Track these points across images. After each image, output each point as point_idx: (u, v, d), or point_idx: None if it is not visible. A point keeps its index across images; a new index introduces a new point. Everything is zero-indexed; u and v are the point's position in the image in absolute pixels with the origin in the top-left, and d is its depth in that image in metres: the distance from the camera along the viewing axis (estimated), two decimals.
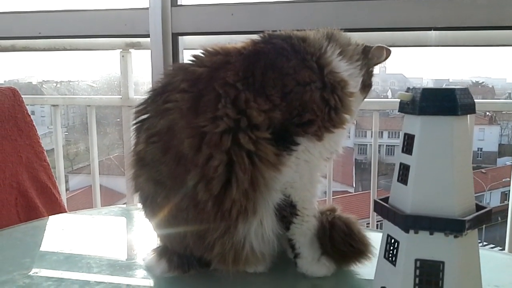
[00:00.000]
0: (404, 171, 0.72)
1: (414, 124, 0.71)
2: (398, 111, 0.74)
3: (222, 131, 0.84)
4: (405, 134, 0.73)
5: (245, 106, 0.85)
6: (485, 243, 11.11)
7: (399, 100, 0.74)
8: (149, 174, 0.91)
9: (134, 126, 0.95)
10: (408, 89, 0.73)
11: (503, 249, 1.99)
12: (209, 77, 0.88)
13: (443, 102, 0.69)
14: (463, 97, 0.69)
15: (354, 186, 12.13)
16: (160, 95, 0.91)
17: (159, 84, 0.94)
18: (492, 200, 13.03)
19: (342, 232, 0.96)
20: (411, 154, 0.71)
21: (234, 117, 0.85)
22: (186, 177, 0.85)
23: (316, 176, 0.95)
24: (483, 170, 13.29)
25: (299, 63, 0.89)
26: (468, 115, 0.71)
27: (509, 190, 1.96)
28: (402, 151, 0.73)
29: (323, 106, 0.88)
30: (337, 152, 0.97)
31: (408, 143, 0.72)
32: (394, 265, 0.73)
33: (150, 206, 0.95)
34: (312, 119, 0.88)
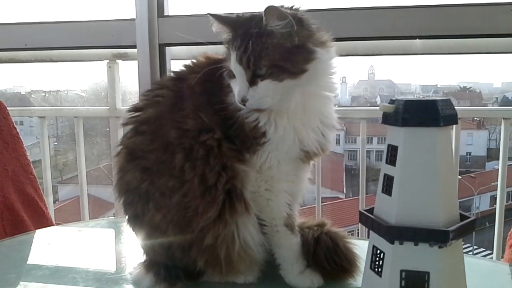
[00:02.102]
0: (388, 182, 0.73)
1: (397, 135, 0.71)
2: (382, 123, 0.74)
3: (199, 128, 0.90)
4: (388, 145, 0.73)
5: (199, 108, 0.91)
6: (475, 246, 11.20)
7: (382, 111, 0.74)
8: (136, 165, 0.94)
9: (126, 121, 1.00)
10: (391, 101, 0.73)
11: (492, 252, 2.00)
12: (185, 78, 0.96)
13: (425, 113, 0.69)
14: (445, 109, 0.70)
15: (344, 192, 12.17)
16: (151, 91, 1.01)
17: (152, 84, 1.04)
18: (482, 204, 13.14)
19: (326, 248, 0.96)
20: (394, 165, 0.71)
21: (194, 117, 0.90)
22: (173, 160, 0.90)
23: (278, 186, 0.93)
24: (472, 175, 13.39)
25: (219, 83, 0.93)
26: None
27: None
28: (386, 162, 0.73)
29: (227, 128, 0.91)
30: (288, 159, 0.92)
31: (392, 154, 0.72)
32: (380, 276, 0.73)
33: (132, 203, 0.95)
34: (234, 135, 0.90)
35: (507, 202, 2.42)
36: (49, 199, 2.08)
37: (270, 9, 0.83)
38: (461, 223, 0.70)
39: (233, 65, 0.86)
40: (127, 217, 0.99)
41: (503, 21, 1.60)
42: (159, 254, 0.95)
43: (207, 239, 0.89)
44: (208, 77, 0.93)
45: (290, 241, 0.95)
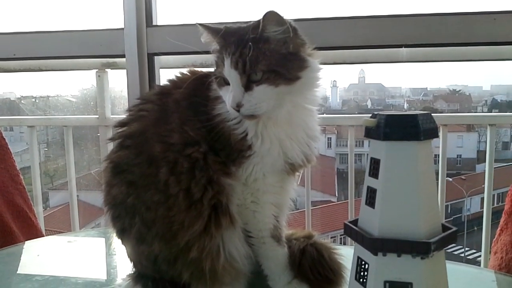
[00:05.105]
0: (372, 194, 0.74)
1: (379, 149, 0.73)
2: (364, 136, 0.76)
3: (184, 142, 0.89)
4: (371, 158, 0.75)
5: (184, 122, 0.91)
6: (467, 248, 11.26)
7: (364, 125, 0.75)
8: (122, 179, 0.94)
9: (112, 136, 1.01)
10: (373, 115, 0.75)
11: None
12: (170, 93, 0.96)
13: (406, 128, 0.71)
14: (425, 123, 0.71)
15: (336, 195, 12.18)
16: (135, 106, 1.00)
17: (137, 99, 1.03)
18: (472, 206, 13.21)
19: (311, 258, 0.97)
20: (377, 178, 0.73)
21: (180, 131, 0.90)
22: (158, 174, 0.89)
23: (264, 198, 0.94)
24: (462, 177, 13.46)
25: (206, 96, 0.94)
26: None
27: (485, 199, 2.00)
28: (369, 175, 0.75)
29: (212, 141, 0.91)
30: (272, 172, 0.93)
31: (375, 167, 0.74)
32: (365, 286, 0.74)
33: (119, 217, 0.96)
34: (219, 148, 0.91)
35: (497, 204, 2.45)
36: (39, 208, 2.07)
37: (270, 14, 0.84)
38: (442, 235, 0.72)
39: (227, 71, 0.86)
40: (115, 231, 0.99)
41: (487, 29, 1.63)
42: (146, 267, 0.95)
43: (192, 252, 0.89)
44: (194, 92, 0.94)
45: (277, 253, 0.96)
